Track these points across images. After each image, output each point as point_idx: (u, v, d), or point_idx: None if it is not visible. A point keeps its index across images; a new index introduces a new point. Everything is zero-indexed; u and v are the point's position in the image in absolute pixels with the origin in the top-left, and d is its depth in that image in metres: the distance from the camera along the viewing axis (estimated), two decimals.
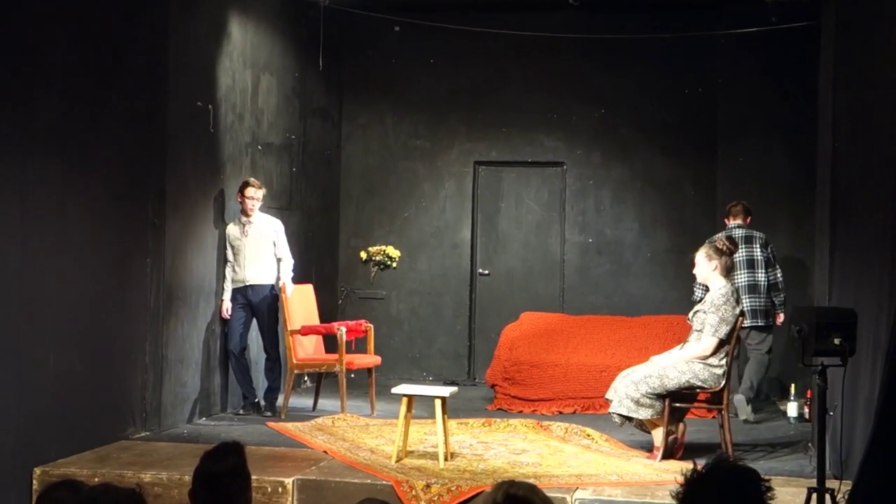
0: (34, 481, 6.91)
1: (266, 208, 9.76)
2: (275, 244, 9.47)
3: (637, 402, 7.60)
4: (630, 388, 7.63)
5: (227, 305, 9.36)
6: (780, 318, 9.54)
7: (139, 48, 8.21)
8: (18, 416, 6.85)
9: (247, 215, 9.34)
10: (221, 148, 9.46)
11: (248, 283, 9.37)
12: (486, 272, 12.18)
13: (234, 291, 9.38)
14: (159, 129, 8.44)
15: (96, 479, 6.37)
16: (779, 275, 9.57)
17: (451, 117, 12.23)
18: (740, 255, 9.34)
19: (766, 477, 3.14)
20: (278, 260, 9.51)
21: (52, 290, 7.19)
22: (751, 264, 9.53)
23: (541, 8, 11.73)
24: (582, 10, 11.27)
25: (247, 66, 9.94)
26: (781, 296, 9.63)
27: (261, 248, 9.40)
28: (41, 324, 7.07)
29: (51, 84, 7.17)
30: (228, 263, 9.39)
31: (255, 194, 9.31)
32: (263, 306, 9.43)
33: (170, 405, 8.63)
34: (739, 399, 9.25)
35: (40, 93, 7.06)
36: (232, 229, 9.41)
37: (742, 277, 9.46)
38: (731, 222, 9.75)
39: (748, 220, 9.73)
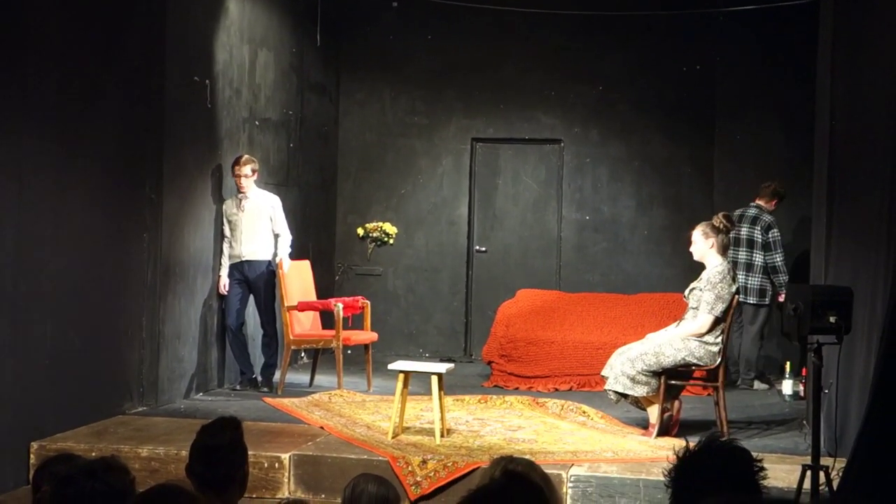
0: (31, 456, 6.94)
1: (263, 184, 9.75)
2: (271, 220, 9.47)
3: (633, 380, 7.62)
4: (626, 366, 7.65)
5: (224, 281, 9.36)
6: (782, 297, 9.57)
7: (136, 23, 8.19)
8: (16, 391, 6.87)
9: (240, 191, 9.33)
10: (219, 124, 9.44)
11: (244, 259, 9.37)
12: (483, 249, 12.18)
13: (231, 267, 9.39)
14: (157, 105, 8.43)
15: (93, 454, 6.39)
16: (778, 258, 9.79)
17: (449, 94, 12.21)
18: (742, 233, 9.59)
19: (759, 456, 3.15)
20: (276, 236, 9.51)
21: (49, 267, 7.19)
22: (750, 244, 9.83)
23: None
24: None
25: (244, 42, 9.92)
26: (781, 277, 9.81)
27: (257, 224, 9.40)
28: (38, 300, 7.09)
29: (47, 61, 7.15)
30: (225, 239, 9.39)
31: (240, 171, 9.28)
32: (260, 282, 9.43)
33: (167, 380, 8.65)
34: (756, 384, 9.90)
35: (36, 69, 7.05)
36: (228, 205, 9.41)
37: (741, 255, 9.79)
38: (757, 201, 10.01)
39: (773, 204, 9.97)
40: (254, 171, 9.35)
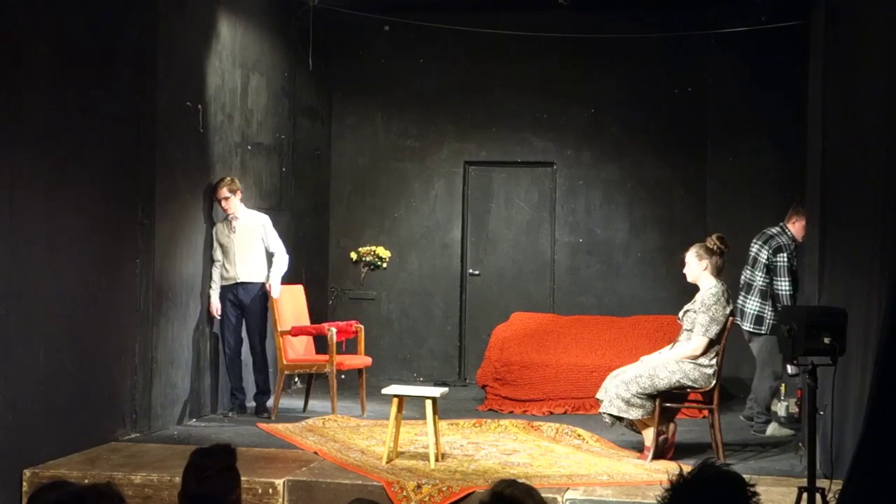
0: (24, 483, 6.91)
1: (256, 208, 9.76)
2: (263, 239, 9.47)
3: (627, 402, 7.62)
4: (620, 388, 7.65)
5: (216, 304, 9.34)
6: None
7: (128, 48, 8.21)
8: (7, 417, 6.85)
9: (227, 213, 9.32)
10: (211, 148, 9.46)
11: (239, 281, 9.36)
12: (477, 272, 12.19)
13: (225, 289, 9.37)
14: (148, 129, 8.44)
15: (86, 481, 6.37)
16: (782, 286, 8.81)
17: (441, 117, 12.24)
18: (752, 250, 9.01)
19: (754, 479, 3.15)
20: (270, 255, 9.50)
21: (41, 291, 7.18)
22: (754, 263, 8.99)
23: (530, 8, 11.73)
24: (571, 9, 11.29)
25: (236, 66, 9.95)
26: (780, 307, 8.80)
27: (250, 245, 9.40)
28: (30, 324, 7.07)
29: (38, 84, 7.16)
30: (216, 263, 9.37)
31: (220, 193, 9.27)
32: (255, 305, 9.42)
33: (160, 406, 8.63)
34: (772, 427, 8.94)
35: (27, 93, 7.05)
36: (219, 228, 9.41)
37: (745, 274, 9.07)
38: (786, 222, 9.07)
39: (793, 223, 8.97)
40: (233, 192, 9.31)
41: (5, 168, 6.81)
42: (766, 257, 8.92)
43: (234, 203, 9.32)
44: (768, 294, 8.90)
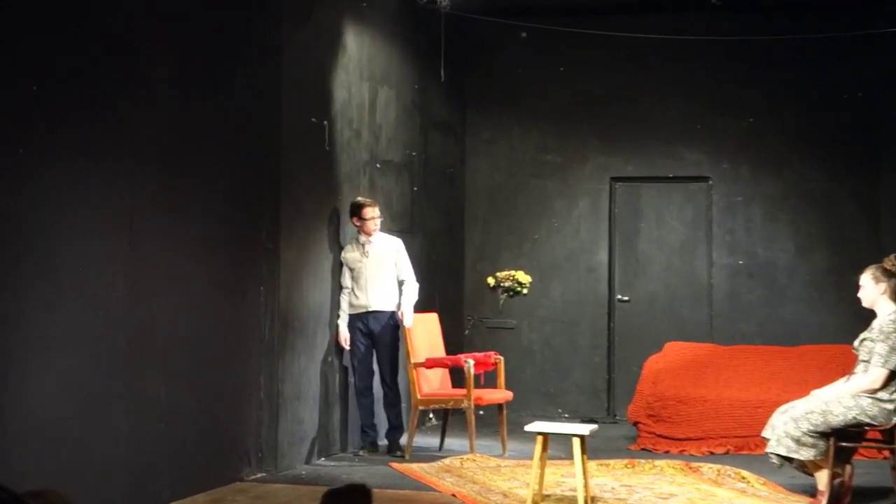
0: None
1: (386, 230, 9.80)
2: (396, 265, 9.51)
3: (797, 442, 7.44)
4: (789, 426, 7.48)
5: (344, 334, 9.40)
6: None
7: (250, 62, 8.33)
8: (129, 455, 6.95)
9: (367, 236, 9.38)
10: (338, 167, 9.55)
11: (371, 310, 9.41)
12: (626, 298, 12.10)
13: (353, 318, 9.43)
14: (272, 147, 8.55)
15: None
16: None
17: (584, 129, 12.20)
18: None
19: None
20: (400, 283, 9.54)
21: (161, 322, 7.30)
22: None
23: (679, 9, 11.65)
24: (725, 9, 11.18)
25: (364, 79, 10.04)
26: None
27: (383, 271, 9.45)
28: (150, 357, 7.18)
29: (157, 103, 7.29)
30: (344, 290, 9.45)
31: (375, 213, 9.38)
32: (386, 335, 9.46)
33: (286, 444, 8.70)
34: None
35: (147, 115, 7.18)
36: (350, 251, 9.48)
37: None
38: None
39: None
40: (379, 213, 9.46)
41: (126, 193, 6.94)
42: None
43: (378, 226, 9.39)
44: None
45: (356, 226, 9.43)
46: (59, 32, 6.33)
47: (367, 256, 9.42)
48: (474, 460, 9.05)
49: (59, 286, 6.32)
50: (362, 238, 9.42)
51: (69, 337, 6.39)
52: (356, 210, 9.42)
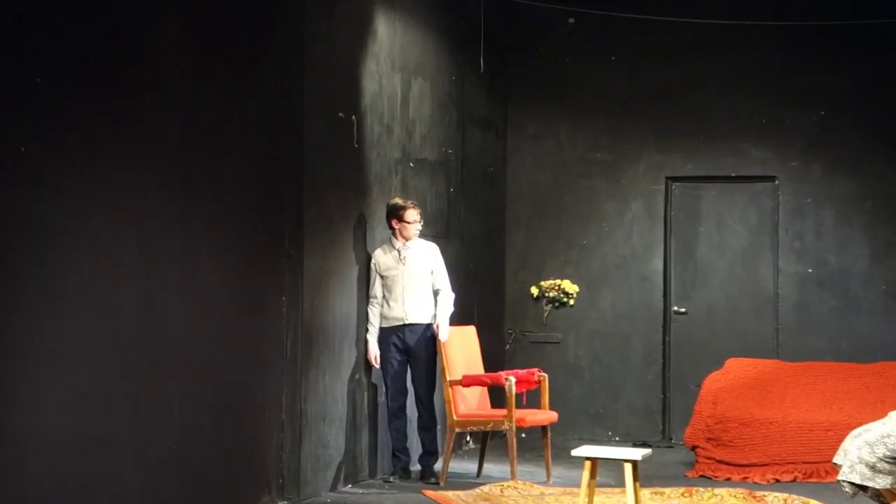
0: None
1: (420, 235, 9.79)
2: (433, 273, 9.54)
3: (873, 468, 7.42)
4: (864, 451, 7.45)
5: (374, 350, 9.42)
6: None
7: (271, 55, 8.37)
8: (139, 479, 7.00)
9: (405, 240, 9.42)
10: (367, 166, 9.59)
11: (407, 323, 9.43)
12: (683, 310, 12.10)
13: (386, 332, 9.44)
14: (295, 145, 8.58)
15: None
16: None
17: (637, 125, 12.21)
18: None
19: None
20: (435, 292, 9.56)
21: (175, 335, 7.34)
22: None
23: None
24: None
25: (395, 70, 10.08)
26: None
27: (420, 279, 9.47)
28: (163, 373, 7.22)
29: (171, 100, 7.33)
30: (374, 300, 9.45)
31: (417, 216, 9.40)
32: (422, 350, 9.47)
33: (310, 469, 8.74)
34: None
35: (158, 109, 7.22)
36: (382, 258, 9.48)
37: None
38: None
39: None
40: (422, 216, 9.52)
41: (136, 196, 6.96)
42: None
43: (419, 229, 9.44)
44: None
45: (394, 228, 9.44)
46: (71, 29, 6.38)
47: (403, 263, 9.44)
48: (516, 488, 9.06)
49: (66, 297, 6.33)
50: (398, 243, 9.44)
51: (77, 351, 6.41)
52: (396, 212, 9.44)
